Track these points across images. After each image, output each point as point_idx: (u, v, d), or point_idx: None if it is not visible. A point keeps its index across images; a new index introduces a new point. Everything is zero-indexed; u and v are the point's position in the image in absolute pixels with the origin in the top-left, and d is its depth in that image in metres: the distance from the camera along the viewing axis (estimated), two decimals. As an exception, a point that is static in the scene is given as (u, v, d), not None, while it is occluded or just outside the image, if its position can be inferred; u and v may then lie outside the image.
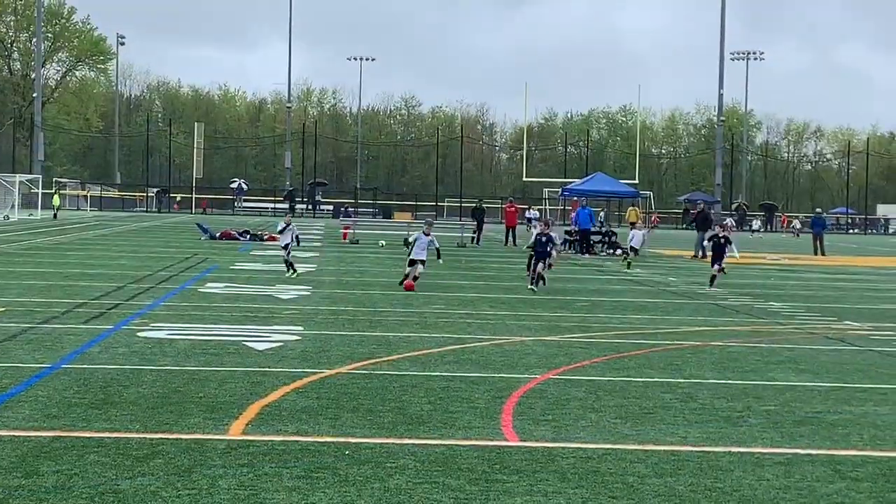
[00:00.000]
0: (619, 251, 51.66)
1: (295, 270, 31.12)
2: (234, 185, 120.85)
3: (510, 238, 56.85)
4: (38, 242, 46.18)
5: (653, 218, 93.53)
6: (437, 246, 29.10)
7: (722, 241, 31.87)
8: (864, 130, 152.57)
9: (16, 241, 46.15)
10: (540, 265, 29.47)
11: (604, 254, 51.23)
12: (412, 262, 28.93)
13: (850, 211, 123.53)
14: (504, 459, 10.08)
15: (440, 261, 29.86)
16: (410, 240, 29.74)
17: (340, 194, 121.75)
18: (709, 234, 25.48)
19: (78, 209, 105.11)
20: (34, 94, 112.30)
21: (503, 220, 62.06)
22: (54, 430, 10.74)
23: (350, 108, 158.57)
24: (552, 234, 30.30)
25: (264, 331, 19.07)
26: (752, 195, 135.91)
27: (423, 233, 29.52)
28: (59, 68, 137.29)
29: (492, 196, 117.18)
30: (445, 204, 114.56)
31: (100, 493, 8.56)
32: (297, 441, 10.59)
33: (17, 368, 14.25)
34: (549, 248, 29.46)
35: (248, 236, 53.61)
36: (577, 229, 52.24)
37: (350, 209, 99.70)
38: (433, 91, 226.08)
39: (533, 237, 32.06)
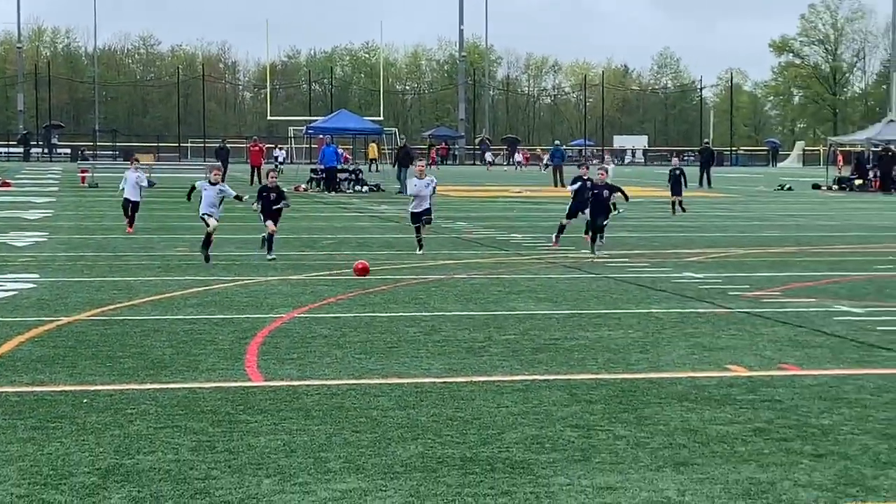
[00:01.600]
0: (365, 188, 51.88)
1: None
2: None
3: (255, 177, 56.37)
4: None
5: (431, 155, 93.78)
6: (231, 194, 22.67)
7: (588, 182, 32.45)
8: (599, 64, 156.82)
9: None
10: (601, 220, 23.67)
11: (350, 191, 51.32)
12: (416, 218, 23.54)
13: (588, 142, 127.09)
14: (248, 400, 10.01)
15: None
16: (198, 186, 22.55)
17: (78, 137, 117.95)
18: (575, 180, 24.01)
19: None
20: None
21: (248, 160, 61.38)
22: None
23: (85, 48, 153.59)
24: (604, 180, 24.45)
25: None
26: (495, 129, 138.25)
27: (417, 175, 23.97)
28: None
29: (237, 136, 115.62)
30: (189, 145, 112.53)
31: None
32: (32, 391, 10.26)
33: None
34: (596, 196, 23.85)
35: (-19, 182, 51.44)
36: (322, 167, 52.12)
37: (88, 152, 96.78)
38: (172, 29, 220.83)
39: (576, 184, 25.43)
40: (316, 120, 71.53)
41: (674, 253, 23.98)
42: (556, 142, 72.13)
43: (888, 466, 8.04)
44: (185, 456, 8.18)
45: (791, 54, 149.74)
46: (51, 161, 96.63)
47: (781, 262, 21.68)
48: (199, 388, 10.51)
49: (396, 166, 51.17)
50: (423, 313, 15.30)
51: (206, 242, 21.51)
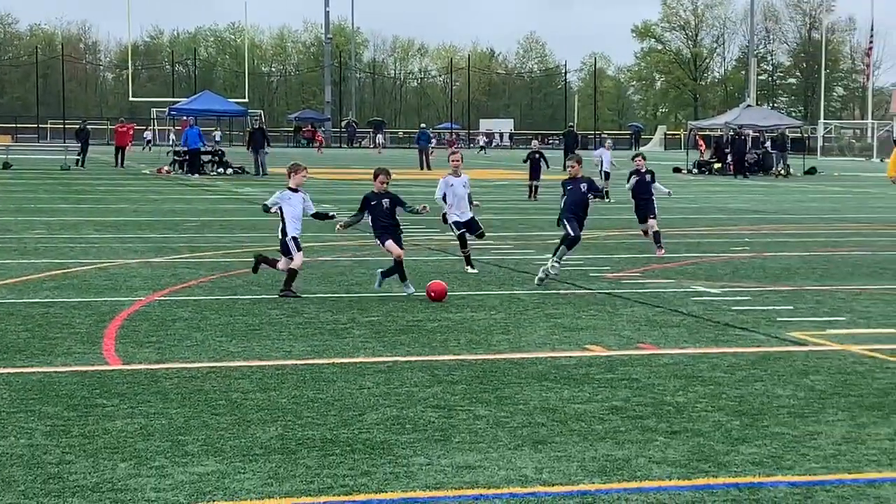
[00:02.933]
0: (229, 170, 51.36)
1: None
2: None
3: (120, 159, 55.51)
4: None
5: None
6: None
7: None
8: (465, 48, 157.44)
9: None
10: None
11: (214, 173, 50.77)
12: (459, 229, 18.05)
13: (454, 126, 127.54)
14: (105, 384, 9.85)
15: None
16: (275, 199, 16.17)
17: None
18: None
19: None
20: None
21: (113, 141, 60.37)
22: None
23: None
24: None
25: None
26: (361, 112, 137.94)
27: (452, 172, 18.24)
28: None
29: (97, 117, 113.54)
30: (48, 126, 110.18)
31: None
32: None
33: None
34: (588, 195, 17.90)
35: None
36: (185, 149, 51.47)
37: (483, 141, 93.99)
38: (30, 7, 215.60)
39: (632, 181, 21.52)
40: (179, 101, 70.59)
41: (538, 235, 24.21)
42: (422, 125, 72.29)
43: (739, 442, 8.23)
44: (39, 441, 8.02)
45: (653, 40, 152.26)
46: None
47: (641, 244, 22.03)
48: (55, 372, 10.31)
49: (251, 148, 50.78)
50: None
51: (290, 278, 15.40)
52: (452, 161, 18.55)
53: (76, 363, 10.72)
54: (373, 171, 16.49)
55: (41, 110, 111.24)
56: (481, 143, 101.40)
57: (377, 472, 7.38)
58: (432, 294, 14.77)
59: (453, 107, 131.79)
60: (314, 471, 7.39)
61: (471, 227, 18.04)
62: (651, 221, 20.77)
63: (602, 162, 39.19)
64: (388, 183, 16.03)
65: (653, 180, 21.24)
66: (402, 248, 15.60)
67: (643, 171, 21.20)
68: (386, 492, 7.01)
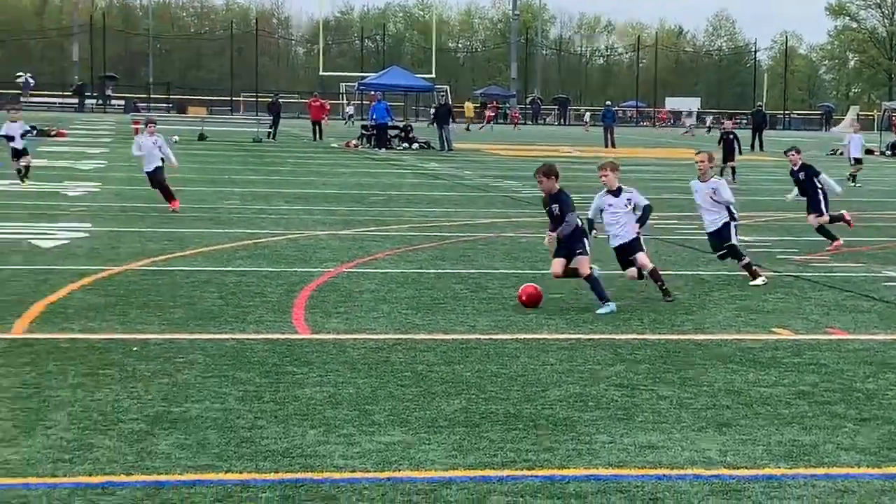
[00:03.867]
0: (415, 145, 51.88)
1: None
2: (21, 80, 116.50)
3: (318, 133, 56.55)
4: None
5: (487, 114, 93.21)
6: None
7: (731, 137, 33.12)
8: (653, 25, 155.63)
9: None
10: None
11: (400, 148, 51.34)
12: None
13: (640, 104, 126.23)
14: (295, 352, 10.11)
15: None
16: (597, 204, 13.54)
17: (132, 89, 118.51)
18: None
19: None
20: None
21: (306, 115, 61.44)
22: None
23: (140, 0, 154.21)
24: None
25: (51, 228, 18.60)
26: (546, 90, 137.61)
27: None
28: None
29: (288, 91, 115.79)
30: (241, 99, 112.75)
31: None
32: (83, 339, 10.41)
33: None
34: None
35: (35, 132, 51.89)
36: (373, 123, 52.15)
37: (142, 104, 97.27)
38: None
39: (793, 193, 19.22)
40: (368, 76, 71.52)
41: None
42: (608, 102, 71.73)
43: (932, 432, 8.03)
44: (232, 405, 8.29)
45: (847, 18, 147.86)
46: (105, 112, 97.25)
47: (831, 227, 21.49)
48: (248, 339, 10.62)
49: (435, 125, 51.14)
50: (471, 270, 15.35)
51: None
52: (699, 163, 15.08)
53: (267, 331, 11.02)
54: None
55: (235, 84, 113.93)
56: (688, 125, 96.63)
57: (560, 449, 7.42)
58: (524, 298, 12.74)
59: (639, 85, 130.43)
60: (497, 444, 7.47)
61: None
62: (813, 218, 18.85)
63: (850, 146, 35.69)
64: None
65: (814, 174, 18.96)
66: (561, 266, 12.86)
67: (796, 168, 18.98)
68: (568, 468, 7.05)
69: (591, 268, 12.73)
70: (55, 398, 8.37)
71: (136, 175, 30.53)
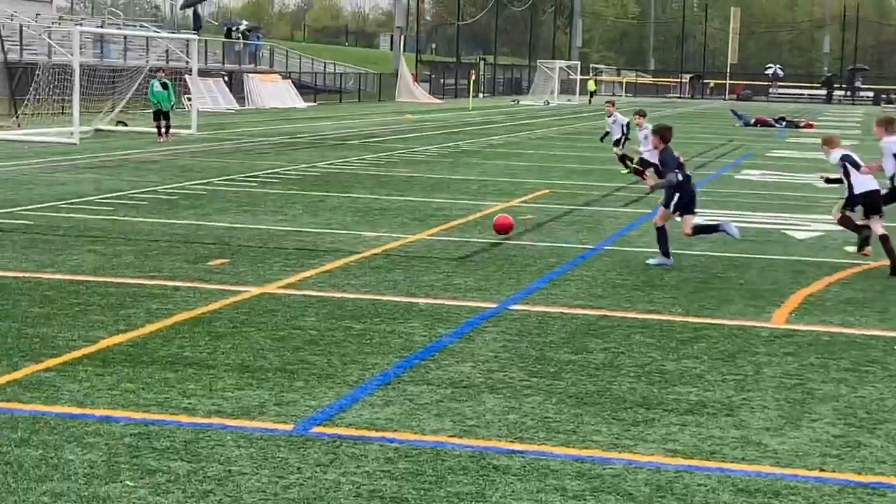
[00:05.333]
0: None
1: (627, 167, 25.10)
2: (770, 72, 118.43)
3: None
4: (577, 127, 47.52)
5: None
6: None
7: None
8: None
9: (556, 126, 47.74)
10: None
11: None
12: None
13: None
14: None
15: None
16: None
17: (881, 80, 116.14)
18: None
19: (613, 95, 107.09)
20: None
21: None
22: (600, 308, 11.05)
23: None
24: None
25: (803, 219, 18.67)
26: None
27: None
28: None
29: None
30: None
31: (646, 373, 8.73)
32: (841, 332, 10.29)
33: (562, 248, 14.78)
34: None
35: (784, 123, 52.52)
36: None
37: (893, 96, 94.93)
38: None
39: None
40: None
41: None
42: None
43: None
44: None
45: None
46: (853, 104, 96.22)
47: None
48: None
49: None
50: None
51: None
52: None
53: None
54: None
55: None
56: None
57: None
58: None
59: None
60: None
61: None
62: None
63: None
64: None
65: None
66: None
67: None
68: None
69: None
70: (818, 391, 8.33)
71: None
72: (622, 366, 8.92)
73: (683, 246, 15.03)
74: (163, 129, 31.62)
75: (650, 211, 18.97)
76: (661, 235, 13.72)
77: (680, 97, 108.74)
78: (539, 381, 8.39)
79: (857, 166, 13.54)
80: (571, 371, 8.70)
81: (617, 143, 25.91)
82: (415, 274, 12.56)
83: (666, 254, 13.70)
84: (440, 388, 8.11)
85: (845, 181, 13.64)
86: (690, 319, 10.72)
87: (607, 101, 27.80)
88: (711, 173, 26.88)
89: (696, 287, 12.37)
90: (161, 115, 31.80)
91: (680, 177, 13.71)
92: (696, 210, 14.16)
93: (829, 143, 14.24)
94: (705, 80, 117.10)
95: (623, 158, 25.33)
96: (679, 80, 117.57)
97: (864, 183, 13.51)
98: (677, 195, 13.68)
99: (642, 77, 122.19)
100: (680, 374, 8.72)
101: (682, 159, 13.98)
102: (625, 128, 25.59)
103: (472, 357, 9.00)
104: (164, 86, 32.16)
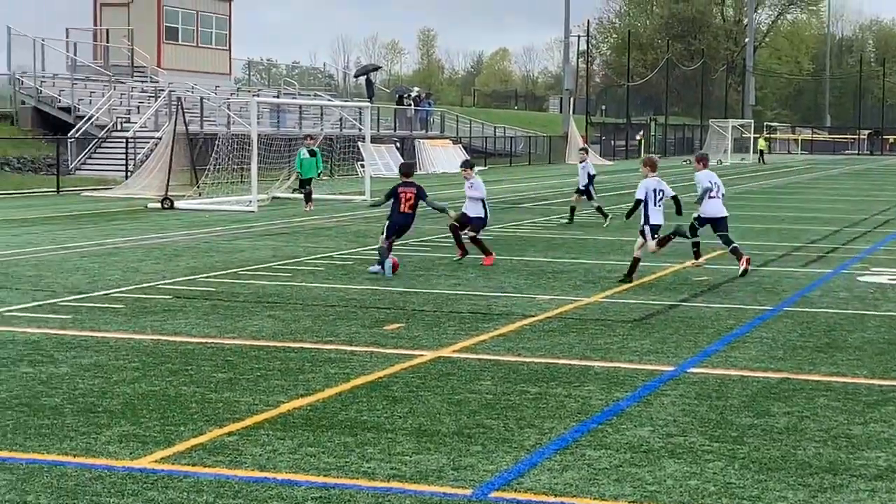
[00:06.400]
0: None
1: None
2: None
3: None
4: (751, 187, 46.81)
5: None
6: None
7: None
8: None
9: (729, 186, 47.09)
10: None
11: None
12: None
13: None
14: None
15: None
16: None
17: None
18: None
19: (788, 153, 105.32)
20: (746, 39, 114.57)
21: None
22: (781, 371, 10.79)
23: None
24: None
25: None
26: None
27: None
28: (770, 12, 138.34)
29: None
30: None
31: (832, 437, 8.47)
32: None
33: (740, 310, 14.51)
34: None
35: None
36: None
37: None
38: None
39: None
40: None
41: None
42: None
43: None
44: None
45: None
46: None
47: None
48: None
49: None
50: None
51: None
52: None
53: None
54: None
55: None
56: None
57: None
58: None
59: None
60: None
61: None
62: None
63: None
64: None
65: None
66: None
67: None
68: None
69: None
70: None
71: None
72: (806, 430, 8.68)
73: (867, 306, 14.64)
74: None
75: (829, 271, 18.54)
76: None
77: (858, 153, 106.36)
78: (720, 445, 8.22)
79: None
80: (754, 435, 8.50)
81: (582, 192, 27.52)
82: (590, 337, 12.48)
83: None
84: (619, 452, 8.00)
85: None
86: (877, 382, 10.39)
87: (581, 149, 30.22)
88: (893, 231, 26.19)
89: (881, 348, 12.00)
90: (306, 183, 31.19)
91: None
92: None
93: None
94: (885, 136, 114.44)
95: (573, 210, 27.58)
96: (857, 136, 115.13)
97: None
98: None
99: (818, 134, 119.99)
100: (868, 439, 8.44)
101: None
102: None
103: (651, 421, 8.87)
104: (312, 153, 31.66)
